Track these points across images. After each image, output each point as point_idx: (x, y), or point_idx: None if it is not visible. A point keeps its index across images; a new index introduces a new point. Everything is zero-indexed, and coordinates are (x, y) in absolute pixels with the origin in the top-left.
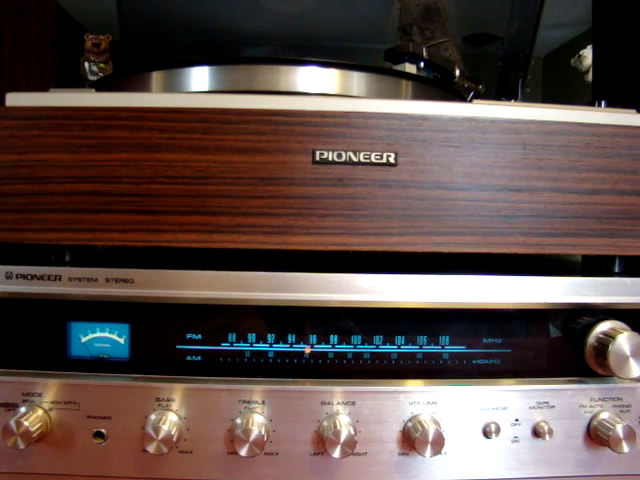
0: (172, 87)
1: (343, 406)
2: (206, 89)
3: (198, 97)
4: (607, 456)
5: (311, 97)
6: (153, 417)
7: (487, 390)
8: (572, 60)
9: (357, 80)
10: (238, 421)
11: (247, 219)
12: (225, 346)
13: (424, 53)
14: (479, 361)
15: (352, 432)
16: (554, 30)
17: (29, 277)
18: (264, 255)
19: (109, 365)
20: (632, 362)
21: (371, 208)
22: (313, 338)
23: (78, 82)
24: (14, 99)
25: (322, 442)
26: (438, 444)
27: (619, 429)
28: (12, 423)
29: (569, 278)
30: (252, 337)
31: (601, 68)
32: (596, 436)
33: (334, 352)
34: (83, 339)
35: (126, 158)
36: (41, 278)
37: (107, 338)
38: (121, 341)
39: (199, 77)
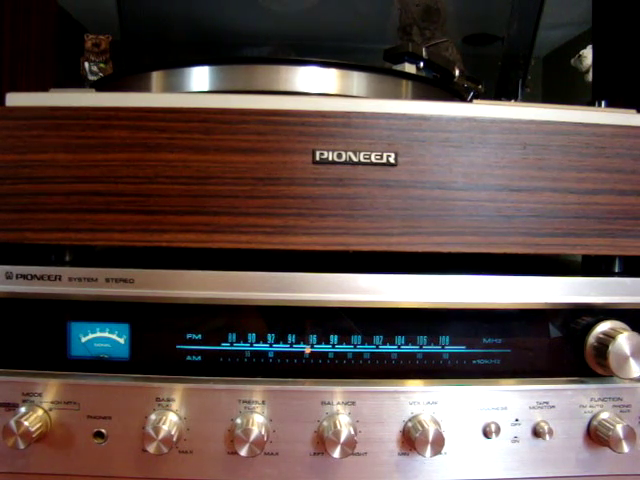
0: (172, 87)
1: (343, 406)
2: (206, 89)
3: (198, 97)
4: (607, 456)
5: (311, 97)
6: (153, 417)
7: (487, 390)
8: (572, 60)
9: (357, 80)
10: (238, 421)
11: (247, 219)
12: (225, 346)
13: (424, 53)
14: (479, 361)
15: (352, 432)
16: (554, 30)
17: (29, 277)
18: (264, 255)
19: (109, 365)
20: (632, 362)
21: (371, 208)
22: (313, 338)
23: (78, 82)
24: (14, 99)
25: (322, 442)
26: (438, 444)
27: (619, 429)
28: (12, 423)
29: (569, 278)
30: (252, 337)
31: (601, 68)
32: (596, 436)
33: (334, 352)
34: (83, 339)
35: (126, 158)
36: (41, 278)
37: (107, 338)
38: (121, 341)
39: (199, 77)
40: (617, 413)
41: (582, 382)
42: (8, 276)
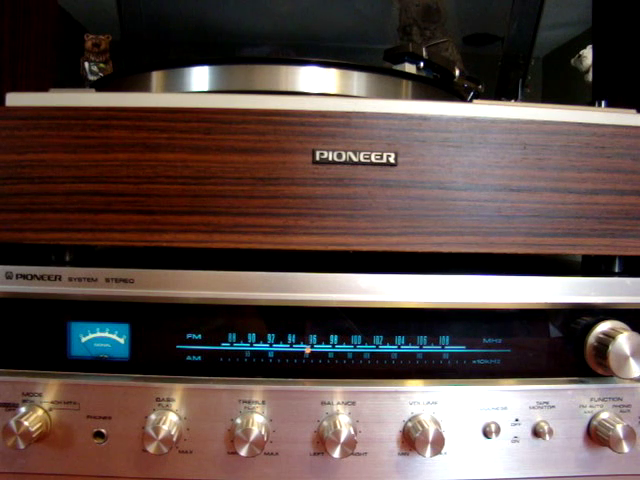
0: (172, 87)
1: (343, 406)
2: (206, 89)
3: (198, 97)
4: (607, 456)
5: (311, 97)
6: (153, 417)
7: (487, 390)
8: (572, 60)
9: (357, 80)
10: (238, 421)
11: (247, 219)
12: (225, 346)
13: (424, 53)
14: (479, 361)
15: (352, 432)
16: (554, 30)
17: (29, 277)
18: (264, 255)
19: (109, 365)
20: (632, 362)
21: (371, 208)
22: (313, 338)
23: (78, 82)
24: (14, 99)
25: (322, 442)
26: (438, 444)
27: (619, 429)
28: (12, 423)
29: (569, 278)
30: (252, 337)
31: (601, 68)
32: (596, 436)
33: (334, 352)
34: (83, 339)
35: (126, 158)
36: (41, 278)
37: (107, 338)
38: (121, 341)
39: (199, 77)
40: (617, 413)
41: (582, 382)
42: (8, 276)
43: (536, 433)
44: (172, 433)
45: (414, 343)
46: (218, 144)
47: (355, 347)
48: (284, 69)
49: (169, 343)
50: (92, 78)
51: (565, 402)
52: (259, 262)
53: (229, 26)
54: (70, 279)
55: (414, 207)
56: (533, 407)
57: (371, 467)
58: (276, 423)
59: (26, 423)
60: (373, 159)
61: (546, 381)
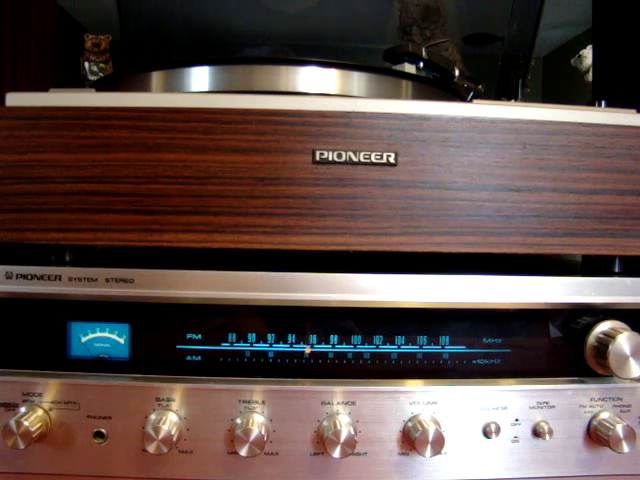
0: (172, 87)
1: (343, 406)
2: (206, 89)
3: (198, 97)
4: (607, 456)
5: (311, 97)
6: (153, 417)
7: (487, 390)
8: (572, 60)
9: (357, 80)
10: (238, 421)
11: (247, 219)
12: (225, 346)
13: (424, 53)
14: (479, 361)
15: (352, 432)
16: (554, 30)
17: (29, 277)
18: (264, 255)
19: (109, 365)
20: (632, 362)
21: (371, 208)
22: (313, 338)
23: (78, 82)
24: (14, 99)
25: (322, 442)
26: (438, 444)
27: (619, 429)
28: (12, 423)
29: (569, 278)
30: (252, 337)
31: (601, 68)
32: (596, 436)
33: (334, 352)
34: (83, 339)
35: (126, 158)
36: (41, 278)
37: (107, 338)
38: (121, 341)
39: (199, 77)
40: (617, 413)
41: (582, 382)
42: (8, 276)
43: (536, 433)
44: (172, 433)
45: (414, 343)
46: (218, 144)
47: (355, 347)
48: (284, 69)
49: (169, 343)
50: (92, 78)
51: (565, 402)
52: (259, 262)
53: (229, 26)
54: (70, 279)
55: (414, 207)
56: (533, 407)
57: (371, 467)
58: (276, 423)
59: (26, 423)
60: (373, 159)
61: (546, 381)
